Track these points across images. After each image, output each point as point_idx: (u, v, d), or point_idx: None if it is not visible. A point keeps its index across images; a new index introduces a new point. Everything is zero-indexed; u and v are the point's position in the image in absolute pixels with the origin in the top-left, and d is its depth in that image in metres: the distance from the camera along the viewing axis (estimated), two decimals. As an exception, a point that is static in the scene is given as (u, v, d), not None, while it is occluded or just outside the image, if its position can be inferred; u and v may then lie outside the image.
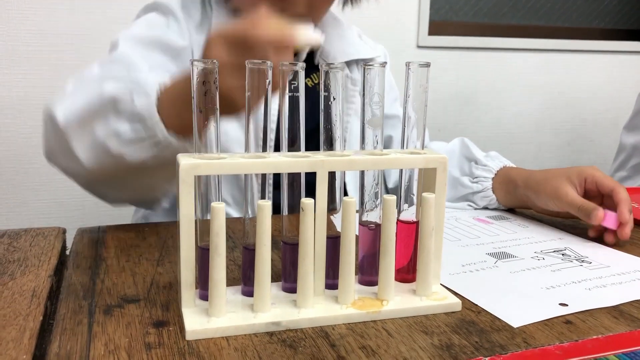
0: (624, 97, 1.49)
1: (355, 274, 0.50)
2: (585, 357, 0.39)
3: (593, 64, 2.00)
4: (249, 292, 0.48)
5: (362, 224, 0.51)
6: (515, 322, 0.47)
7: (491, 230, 0.73)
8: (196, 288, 0.48)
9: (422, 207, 0.49)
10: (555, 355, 0.39)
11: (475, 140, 0.86)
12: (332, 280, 0.50)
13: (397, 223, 0.51)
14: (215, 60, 0.44)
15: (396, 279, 0.52)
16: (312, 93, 0.95)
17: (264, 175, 0.49)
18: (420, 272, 0.50)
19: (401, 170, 0.51)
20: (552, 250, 0.66)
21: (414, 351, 0.42)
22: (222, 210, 0.43)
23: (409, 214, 0.52)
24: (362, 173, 0.51)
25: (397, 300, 0.49)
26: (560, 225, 0.76)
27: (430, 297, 0.50)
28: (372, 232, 0.51)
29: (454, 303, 0.49)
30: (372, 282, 0.52)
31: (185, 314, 0.45)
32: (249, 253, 0.48)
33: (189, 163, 0.44)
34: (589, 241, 0.69)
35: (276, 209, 0.48)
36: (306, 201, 0.45)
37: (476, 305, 0.50)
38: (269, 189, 0.50)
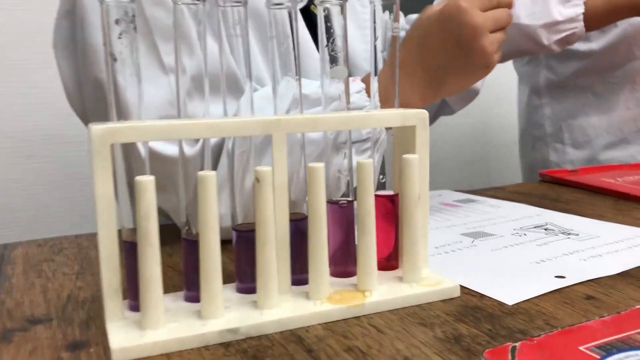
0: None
1: (327, 265, 0.40)
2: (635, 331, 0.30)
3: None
4: (193, 298, 0.38)
5: (331, 202, 0.42)
6: (509, 299, 0.39)
7: (461, 212, 0.64)
8: (125, 298, 0.37)
9: (403, 172, 0.39)
10: (598, 331, 0.30)
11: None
12: (299, 276, 0.40)
13: (372, 198, 0.42)
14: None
15: (377, 269, 0.43)
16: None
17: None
18: (406, 254, 0.40)
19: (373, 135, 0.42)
20: (533, 226, 0.58)
21: (415, 347, 0.33)
22: (150, 184, 0.33)
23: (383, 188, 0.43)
24: (326, 136, 0.41)
25: (382, 290, 0.39)
26: (535, 202, 0.68)
27: (421, 283, 0.40)
28: (344, 211, 0.41)
29: (451, 288, 0.40)
30: (349, 273, 0.42)
31: (110, 330, 0.34)
32: (191, 245, 0.37)
33: (103, 128, 0.33)
34: (570, 214, 0.62)
35: None
36: (262, 169, 0.35)
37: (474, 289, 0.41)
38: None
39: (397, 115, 0.40)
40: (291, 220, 0.39)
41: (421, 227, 0.40)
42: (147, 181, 0.33)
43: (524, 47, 0.95)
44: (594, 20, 0.88)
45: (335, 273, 0.42)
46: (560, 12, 0.87)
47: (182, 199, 0.38)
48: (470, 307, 0.38)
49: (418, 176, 0.39)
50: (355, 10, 0.78)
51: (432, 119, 0.82)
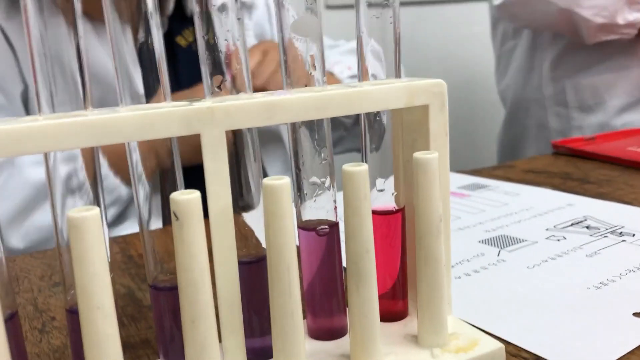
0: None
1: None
2: None
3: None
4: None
5: (304, 226, 0.27)
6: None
7: (471, 205, 0.51)
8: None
9: (417, 180, 0.25)
10: None
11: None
12: (259, 341, 0.26)
13: (366, 216, 0.28)
14: None
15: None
16: (188, 55, 0.70)
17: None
18: (424, 304, 0.26)
19: (363, 119, 0.28)
20: (569, 222, 0.44)
21: None
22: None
23: (382, 199, 0.29)
24: (294, 129, 0.27)
25: (389, 366, 0.25)
26: (560, 185, 0.55)
27: (447, 346, 0.26)
28: (324, 240, 0.27)
29: (494, 352, 0.26)
30: (332, 332, 0.28)
31: None
32: (76, 320, 0.23)
33: None
34: (609, 202, 0.49)
35: None
36: (181, 197, 0.21)
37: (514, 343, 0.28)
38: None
39: (400, 91, 0.26)
40: (242, 263, 0.25)
41: (445, 263, 0.26)
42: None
43: (556, 29, 0.85)
44: None
45: (314, 331, 0.28)
46: (623, 17, 0.76)
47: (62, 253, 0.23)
48: (528, 386, 0.25)
49: (439, 186, 0.25)
50: None
51: None
